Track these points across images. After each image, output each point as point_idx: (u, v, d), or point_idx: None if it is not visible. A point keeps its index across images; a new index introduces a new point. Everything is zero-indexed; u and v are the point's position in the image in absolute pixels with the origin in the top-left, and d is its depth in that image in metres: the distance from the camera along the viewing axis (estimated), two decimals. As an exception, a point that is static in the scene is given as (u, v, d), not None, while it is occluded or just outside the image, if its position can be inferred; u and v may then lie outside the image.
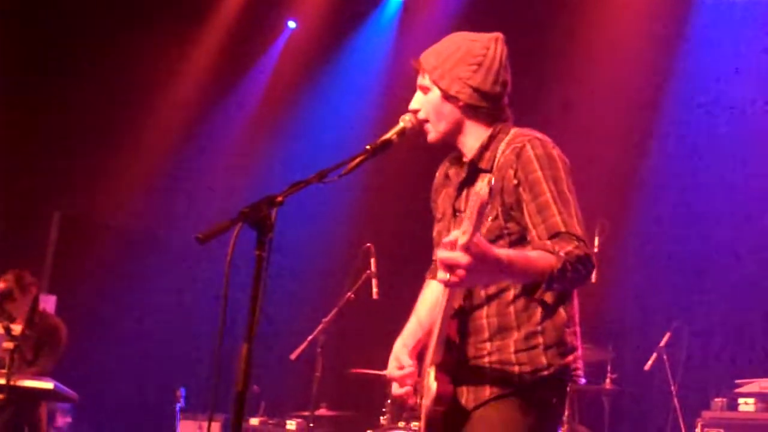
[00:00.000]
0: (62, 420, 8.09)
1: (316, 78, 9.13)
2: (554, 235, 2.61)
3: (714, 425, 5.64)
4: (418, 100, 2.88)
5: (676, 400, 5.98)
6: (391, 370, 2.95)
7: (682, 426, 5.88)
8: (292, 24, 9.35)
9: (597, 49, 7.69)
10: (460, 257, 2.33)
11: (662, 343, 6.09)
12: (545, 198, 2.66)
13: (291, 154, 8.79)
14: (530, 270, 2.51)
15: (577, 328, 2.81)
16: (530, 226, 2.67)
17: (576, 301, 2.83)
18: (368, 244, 6.08)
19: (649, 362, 6.07)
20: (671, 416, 5.99)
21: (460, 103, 2.82)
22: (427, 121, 2.86)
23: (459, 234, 2.34)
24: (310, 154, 8.35)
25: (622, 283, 7.10)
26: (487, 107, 2.84)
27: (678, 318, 6.25)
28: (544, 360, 2.72)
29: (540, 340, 2.73)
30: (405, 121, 2.85)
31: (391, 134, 2.82)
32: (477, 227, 2.32)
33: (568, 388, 2.83)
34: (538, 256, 2.53)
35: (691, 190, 7.28)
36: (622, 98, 7.47)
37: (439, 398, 2.69)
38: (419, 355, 2.98)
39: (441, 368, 2.72)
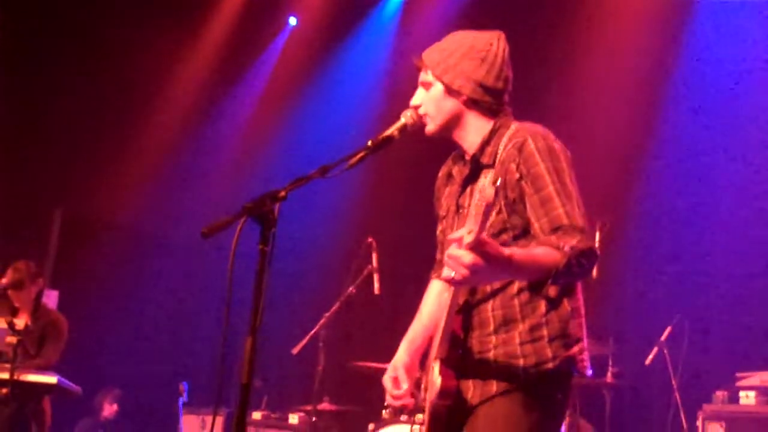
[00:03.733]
0: (109, 409, 8.21)
1: (317, 74, 9.14)
2: (557, 228, 2.62)
3: (715, 418, 5.66)
4: (419, 96, 2.89)
5: (677, 394, 5.99)
6: (387, 381, 2.95)
7: (683, 419, 5.89)
8: (293, 20, 9.36)
9: (597, 47, 7.70)
10: (465, 255, 2.35)
11: (663, 338, 6.10)
12: (548, 191, 2.67)
13: (294, 149, 8.80)
14: (536, 268, 2.53)
15: (583, 320, 2.81)
16: (533, 219, 2.68)
17: (580, 294, 2.83)
18: (370, 239, 6.09)
19: (650, 356, 6.08)
20: (672, 410, 6.00)
21: (463, 98, 2.84)
22: (427, 116, 2.88)
23: (464, 233, 2.35)
24: (313, 150, 8.36)
25: (623, 277, 7.12)
26: (489, 102, 2.85)
27: (679, 312, 6.26)
28: (549, 352, 2.72)
29: (544, 332, 2.73)
30: (406, 116, 2.86)
31: (392, 130, 2.83)
32: (483, 227, 2.33)
33: (573, 382, 2.84)
34: (543, 253, 2.54)
35: (692, 186, 7.29)
36: (623, 96, 7.48)
37: (443, 393, 2.71)
38: (425, 354, 2.99)
39: (445, 363, 2.74)
